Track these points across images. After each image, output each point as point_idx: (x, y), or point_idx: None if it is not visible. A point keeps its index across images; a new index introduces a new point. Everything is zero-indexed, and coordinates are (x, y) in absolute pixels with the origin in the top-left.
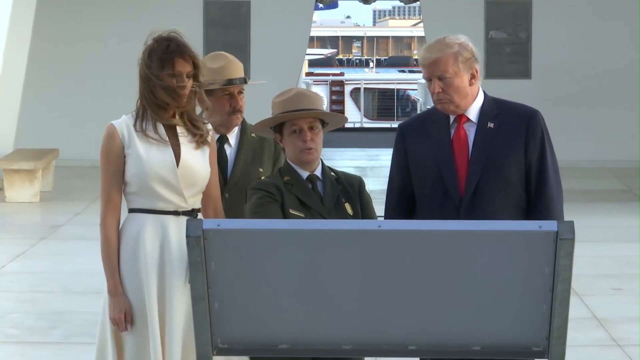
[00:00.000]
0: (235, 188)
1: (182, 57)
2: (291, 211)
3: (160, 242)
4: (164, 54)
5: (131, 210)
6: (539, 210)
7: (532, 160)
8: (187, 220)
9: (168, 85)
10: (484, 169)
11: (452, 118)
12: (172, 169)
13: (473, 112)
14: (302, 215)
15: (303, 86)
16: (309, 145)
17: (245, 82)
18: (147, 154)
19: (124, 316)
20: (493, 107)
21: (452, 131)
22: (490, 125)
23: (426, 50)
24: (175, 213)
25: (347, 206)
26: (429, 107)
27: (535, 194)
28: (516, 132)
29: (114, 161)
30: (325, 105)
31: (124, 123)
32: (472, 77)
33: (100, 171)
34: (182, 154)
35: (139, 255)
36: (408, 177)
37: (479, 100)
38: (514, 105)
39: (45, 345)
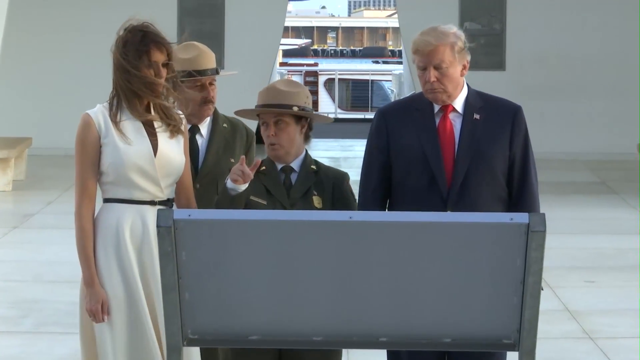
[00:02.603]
0: (207, 178)
1: (157, 48)
2: (252, 197)
3: (140, 232)
4: (140, 45)
5: (107, 200)
6: (523, 206)
7: (516, 155)
8: (158, 210)
9: (145, 76)
10: (471, 160)
11: (436, 107)
12: (150, 159)
13: (459, 103)
14: (264, 202)
15: (277, 76)
16: (272, 140)
17: (217, 73)
18: (125, 144)
19: (101, 307)
20: (477, 99)
21: (438, 121)
22: (476, 116)
23: (424, 37)
24: (152, 203)
25: (315, 199)
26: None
27: (519, 190)
28: (502, 126)
29: (90, 151)
30: (309, 100)
31: (99, 112)
32: (464, 67)
33: (75, 161)
34: (159, 144)
35: (121, 246)
36: (388, 163)
37: (465, 91)
38: (498, 99)
39: (17, 335)
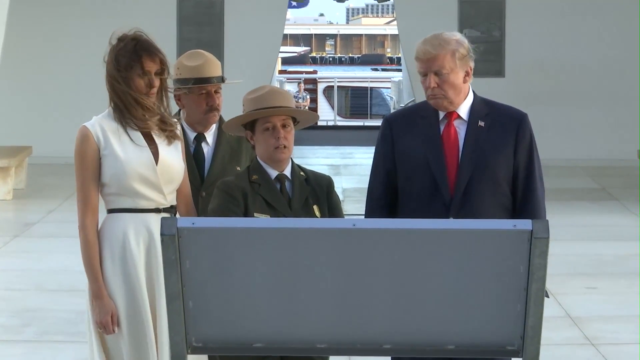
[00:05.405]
0: (213, 187)
1: (150, 56)
2: (255, 214)
3: (146, 241)
4: (133, 54)
5: (111, 211)
6: (526, 214)
7: (520, 163)
8: (162, 219)
9: (137, 86)
10: (475, 168)
11: (441, 114)
12: (152, 167)
13: (464, 110)
14: (268, 216)
15: (277, 84)
16: (282, 142)
17: (223, 81)
18: (125, 154)
19: (111, 318)
20: (483, 107)
21: (442, 128)
22: (481, 124)
23: (424, 45)
24: (157, 210)
25: (315, 208)
26: (402, 105)
27: (523, 198)
28: (506, 133)
29: (90, 163)
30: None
31: (97, 124)
32: (467, 74)
33: (76, 174)
34: (159, 151)
35: (127, 257)
36: (394, 170)
37: (470, 98)
38: (504, 107)
39: (19, 343)
